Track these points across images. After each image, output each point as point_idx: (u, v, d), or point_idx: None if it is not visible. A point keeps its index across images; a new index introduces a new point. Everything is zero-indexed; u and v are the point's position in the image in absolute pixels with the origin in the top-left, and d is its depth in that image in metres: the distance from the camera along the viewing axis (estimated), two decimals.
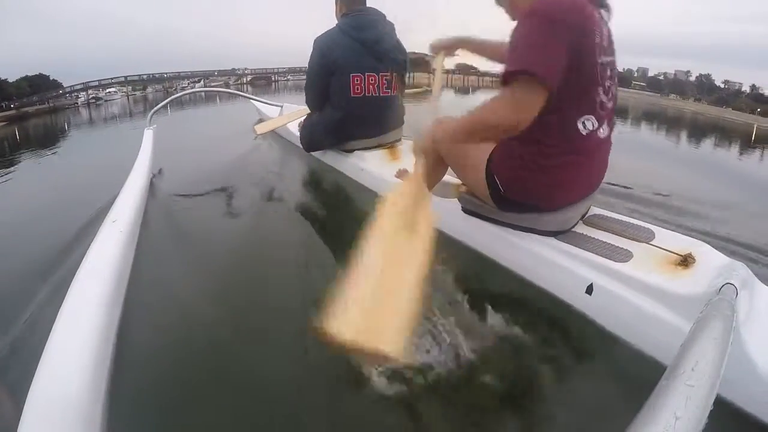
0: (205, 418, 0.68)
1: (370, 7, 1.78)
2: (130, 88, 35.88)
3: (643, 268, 0.82)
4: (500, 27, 0.98)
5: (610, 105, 0.90)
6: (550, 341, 0.87)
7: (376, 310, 0.58)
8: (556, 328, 0.89)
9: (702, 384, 0.42)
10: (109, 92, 32.84)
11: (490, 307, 0.98)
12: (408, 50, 1.83)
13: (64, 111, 22.09)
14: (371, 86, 1.69)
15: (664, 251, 0.85)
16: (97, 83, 34.08)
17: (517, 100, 0.76)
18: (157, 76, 39.49)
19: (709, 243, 0.87)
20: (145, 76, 39.11)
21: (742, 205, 1.92)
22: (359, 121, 1.70)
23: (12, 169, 3.63)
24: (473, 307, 0.98)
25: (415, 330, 0.87)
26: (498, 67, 0.90)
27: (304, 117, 2.10)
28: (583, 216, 1.05)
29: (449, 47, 1.32)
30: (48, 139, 7.18)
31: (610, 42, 0.89)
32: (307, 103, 1.94)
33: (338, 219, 1.57)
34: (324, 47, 1.71)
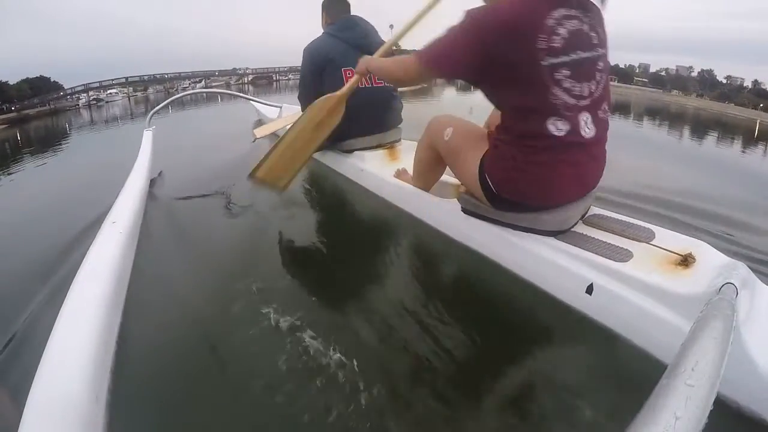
0: (206, 418, 0.68)
1: (354, 15, 1.90)
2: (131, 89, 35.97)
3: (644, 267, 0.82)
4: None
5: (585, 103, 0.87)
6: (550, 341, 0.87)
7: (278, 164, 1.42)
8: (556, 328, 0.89)
9: (702, 384, 0.42)
10: (110, 93, 32.92)
11: (490, 308, 0.98)
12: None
13: (65, 113, 22.18)
14: (363, 78, 1.71)
15: (665, 251, 0.85)
16: (98, 84, 34.16)
17: (412, 70, 0.99)
18: (158, 76, 39.57)
19: (709, 242, 0.87)
20: (146, 77, 39.19)
21: (744, 202, 1.91)
22: (355, 115, 1.70)
23: (13, 171, 3.65)
24: (473, 307, 0.98)
25: (416, 330, 0.89)
26: None
27: None
28: (583, 216, 1.05)
29: None
30: (48, 141, 7.20)
31: (589, 37, 0.87)
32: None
33: (337, 219, 1.57)
34: (313, 50, 1.81)
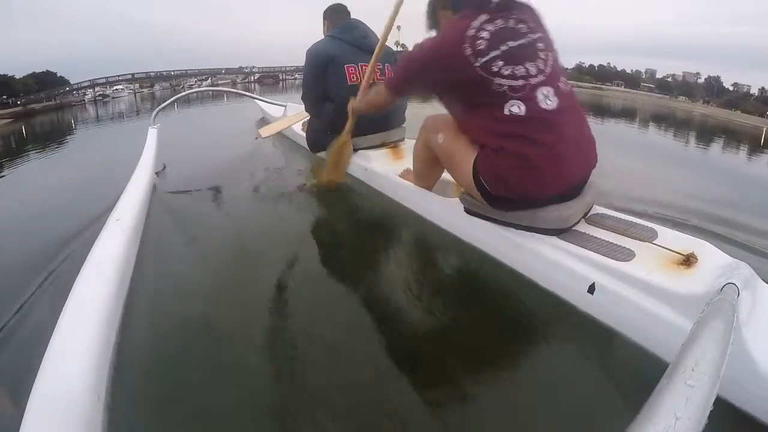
0: (208, 418, 0.67)
1: (354, 18, 1.97)
2: (137, 85, 36.07)
3: (646, 267, 0.82)
4: None
5: (537, 80, 0.95)
6: (551, 340, 0.87)
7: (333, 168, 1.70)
8: (557, 327, 0.89)
9: (702, 384, 0.42)
10: (117, 89, 33.04)
11: (491, 306, 0.98)
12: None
13: (71, 108, 22.25)
14: (373, 75, 1.72)
15: (667, 251, 0.85)
16: (104, 80, 34.21)
17: (386, 96, 1.25)
18: (164, 73, 39.61)
19: (713, 243, 0.86)
20: (152, 74, 39.23)
21: (748, 205, 1.90)
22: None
23: (18, 165, 3.67)
24: (475, 305, 0.98)
25: (420, 327, 0.89)
26: None
27: (308, 118, 2.14)
28: (585, 215, 1.05)
29: None
30: (53, 136, 7.22)
31: (516, 29, 0.98)
32: (308, 109, 2.03)
33: (341, 215, 1.57)
34: (315, 51, 1.86)
